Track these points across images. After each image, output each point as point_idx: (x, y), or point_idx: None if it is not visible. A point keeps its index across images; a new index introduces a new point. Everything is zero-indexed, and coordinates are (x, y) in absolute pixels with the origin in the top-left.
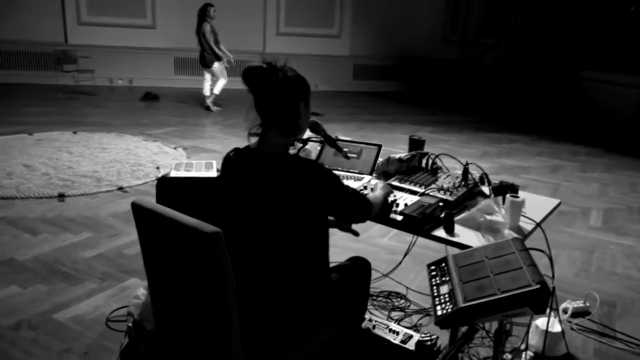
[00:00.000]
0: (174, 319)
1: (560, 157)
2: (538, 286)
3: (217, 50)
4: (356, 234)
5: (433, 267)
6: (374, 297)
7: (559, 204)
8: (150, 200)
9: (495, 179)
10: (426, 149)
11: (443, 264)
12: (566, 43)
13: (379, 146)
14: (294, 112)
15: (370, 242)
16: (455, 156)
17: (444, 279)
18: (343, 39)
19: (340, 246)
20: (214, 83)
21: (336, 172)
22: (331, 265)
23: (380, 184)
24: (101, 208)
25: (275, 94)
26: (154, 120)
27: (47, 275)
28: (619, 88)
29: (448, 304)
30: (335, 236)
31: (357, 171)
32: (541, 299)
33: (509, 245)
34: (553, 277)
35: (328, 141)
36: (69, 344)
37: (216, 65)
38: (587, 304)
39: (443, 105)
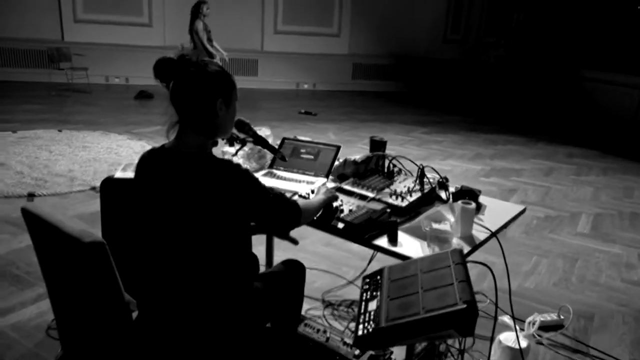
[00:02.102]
0: (72, 330)
1: (556, 159)
2: (464, 306)
3: (209, 48)
4: (295, 242)
5: (368, 280)
6: (335, 307)
7: (522, 211)
8: (40, 206)
9: (485, 182)
10: (417, 150)
11: (378, 277)
12: (568, 42)
13: (338, 147)
14: (209, 109)
15: (342, 247)
16: (447, 158)
17: (374, 293)
18: (342, 37)
19: (311, 251)
20: None
21: (291, 175)
22: (262, 271)
23: (323, 188)
24: (70, 208)
25: (187, 90)
26: (144, 118)
27: None
28: (620, 88)
29: (371, 322)
30: (307, 240)
31: (312, 173)
32: (467, 320)
33: (446, 258)
34: (496, 291)
35: (258, 141)
36: (1, 353)
37: None
38: (561, 317)
39: (441, 105)
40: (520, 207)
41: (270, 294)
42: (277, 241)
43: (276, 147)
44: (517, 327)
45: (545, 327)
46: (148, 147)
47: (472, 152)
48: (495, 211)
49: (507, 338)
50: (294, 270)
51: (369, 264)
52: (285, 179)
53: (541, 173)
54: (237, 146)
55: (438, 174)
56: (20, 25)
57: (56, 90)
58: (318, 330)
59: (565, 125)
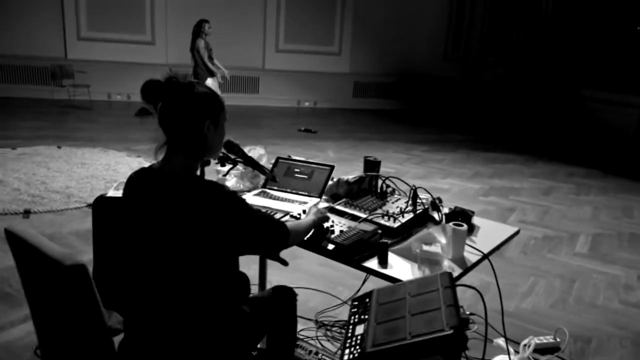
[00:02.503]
0: (55, 353)
1: (555, 178)
2: (451, 332)
3: (210, 66)
4: (284, 263)
5: (356, 303)
6: (328, 327)
7: (516, 233)
8: (23, 227)
9: (484, 201)
10: (416, 169)
11: (367, 300)
12: (568, 62)
13: (332, 167)
14: (197, 131)
15: (338, 267)
16: (447, 176)
17: (362, 317)
18: (343, 56)
19: (305, 271)
20: None
21: (284, 195)
22: (251, 295)
23: (314, 208)
24: (65, 225)
25: (174, 111)
26: (144, 135)
27: None
28: (621, 108)
29: (357, 347)
30: (302, 260)
31: (305, 193)
32: (454, 346)
33: (435, 281)
34: (486, 316)
35: (248, 162)
36: None
37: (209, 81)
38: (558, 339)
39: (441, 123)
40: (514, 229)
41: (257, 319)
42: (270, 261)
43: (269, 166)
44: (512, 350)
45: (541, 350)
46: (146, 164)
47: (472, 170)
48: (489, 232)
49: None
50: (284, 297)
51: (362, 285)
52: (278, 198)
53: (540, 192)
54: (229, 166)
55: (430, 194)
56: (25, 43)
57: (58, 107)
58: (310, 352)
59: (565, 145)
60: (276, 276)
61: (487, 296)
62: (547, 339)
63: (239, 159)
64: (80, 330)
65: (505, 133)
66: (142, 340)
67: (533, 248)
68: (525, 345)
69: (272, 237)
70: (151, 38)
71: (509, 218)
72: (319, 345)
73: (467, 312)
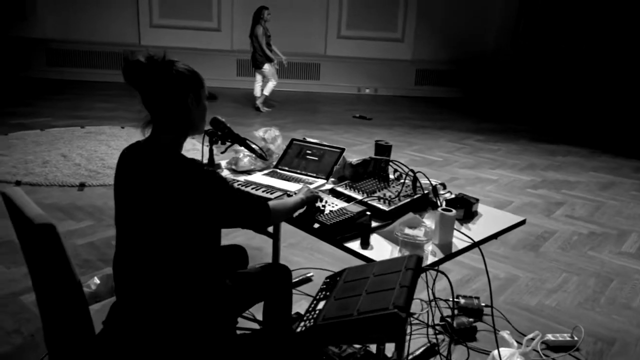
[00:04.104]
0: (46, 309)
1: (619, 173)
2: (393, 311)
3: (268, 52)
4: (269, 235)
5: (328, 280)
6: None
7: (521, 222)
8: (16, 189)
9: (532, 194)
10: (465, 159)
11: (338, 278)
12: None
13: (342, 150)
14: (180, 107)
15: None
16: (497, 167)
17: (327, 293)
18: (406, 42)
19: (325, 252)
20: (265, 84)
21: (293, 175)
22: (240, 271)
23: (304, 188)
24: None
25: (156, 89)
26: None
27: None
28: None
29: (312, 320)
30: (323, 243)
31: (314, 175)
32: (394, 325)
33: (401, 262)
34: (453, 298)
35: (235, 140)
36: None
37: (267, 66)
38: (575, 338)
39: (504, 113)
40: (519, 218)
41: (239, 294)
42: (295, 242)
43: (284, 147)
44: (515, 343)
45: (556, 348)
46: (198, 145)
47: (526, 162)
48: (491, 220)
49: (501, 354)
50: (275, 274)
51: None
52: (286, 178)
53: (598, 187)
54: (224, 145)
55: (429, 180)
56: (101, 30)
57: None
58: None
59: (638, 138)
60: (297, 257)
61: (512, 288)
62: (563, 337)
63: (228, 141)
64: (52, 286)
65: (571, 124)
66: (127, 306)
67: (574, 244)
68: (528, 339)
69: (250, 214)
70: (217, 25)
71: (554, 212)
72: None
73: (482, 304)
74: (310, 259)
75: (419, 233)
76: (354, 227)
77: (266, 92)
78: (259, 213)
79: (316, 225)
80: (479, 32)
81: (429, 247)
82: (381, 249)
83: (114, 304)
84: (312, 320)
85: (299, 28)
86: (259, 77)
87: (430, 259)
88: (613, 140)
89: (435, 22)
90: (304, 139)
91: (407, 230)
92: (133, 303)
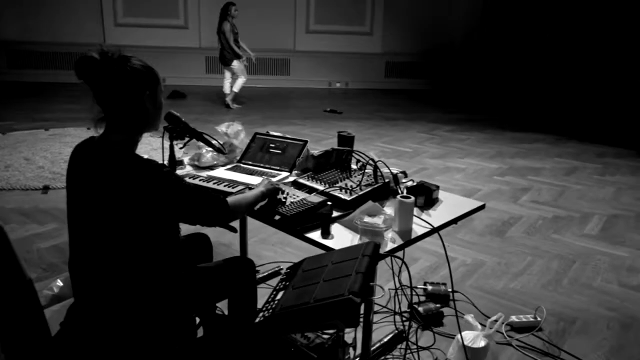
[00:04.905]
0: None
1: (583, 158)
2: (349, 296)
3: (236, 49)
4: (233, 230)
5: (288, 271)
6: None
7: (480, 207)
8: None
9: (499, 180)
10: (434, 149)
11: (298, 268)
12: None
13: (305, 142)
14: (136, 105)
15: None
16: (466, 156)
17: (286, 283)
18: (375, 35)
19: (295, 245)
20: (234, 81)
21: (256, 169)
22: (200, 265)
23: (265, 181)
24: None
25: (109, 86)
26: None
27: None
28: None
29: (270, 310)
30: (293, 237)
31: (277, 168)
32: (349, 310)
33: (359, 250)
34: (411, 283)
35: (192, 134)
36: None
37: (235, 63)
38: (538, 318)
39: (473, 103)
40: (478, 203)
41: (199, 289)
42: (286, 240)
43: (247, 141)
44: (479, 325)
45: (520, 329)
46: (166, 144)
47: (494, 150)
48: (451, 207)
49: (465, 337)
50: (237, 268)
51: None
52: (249, 172)
53: (562, 172)
54: (184, 141)
55: (389, 168)
56: (66, 30)
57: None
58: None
59: (606, 124)
60: (267, 251)
61: (478, 273)
62: (527, 317)
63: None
64: (4, 286)
65: (538, 112)
66: (84, 306)
67: (538, 228)
68: (493, 321)
69: (207, 211)
70: (184, 22)
71: (521, 198)
72: None
73: (449, 290)
74: (280, 252)
75: (378, 221)
76: (315, 218)
77: (235, 88)
78: (216, 209)
79: (277, 217)
80: (445, 23)
81: (389, 235)
82: (342, 238)
83: (72, 305)
84: (270, 311)
85: (268, 24)
86: (227, 74)
87: (389, 246)
88: (579, 127)
89: (402, 14)
90: (267, 132)
91: (367, 219)
92: (89, 303)
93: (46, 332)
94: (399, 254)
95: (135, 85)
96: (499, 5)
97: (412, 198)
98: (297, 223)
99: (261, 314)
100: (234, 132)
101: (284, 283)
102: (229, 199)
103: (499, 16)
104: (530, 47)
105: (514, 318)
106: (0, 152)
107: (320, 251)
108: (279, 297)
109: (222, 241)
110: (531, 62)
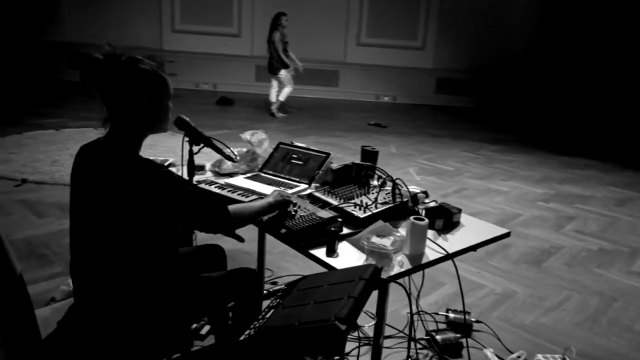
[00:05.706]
0: None
1: (638, 188)
2: (333, 322)
3: (284, 58)
4: (240, 239)
5: (285, 287)
6: None
7: (505, 235)
8: None
9: (543, 207)
10: (478, 169)
11: (294, 285)
12: None
13: (327, 155)
14: (136, 108)
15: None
16: (510, 179)
17: (279, 301)
18: (427, 51)
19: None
20: (281, 90)
21: (275, 179)
22: (203, 275)
23: (275, 192)
24: None
25: (113, 88)
26: (216, 122)
27: (26, 255)
28: None
29: (256, 329)
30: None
31: (297, 179)
32: (332, 338)
33: (358, 272)
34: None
35: (201, 139)
36: None
37: (283, 72)
38: (566, 359)
39: (525, 123)
40: (503, 230)
41: (197, 297)
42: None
43: (270, 150)
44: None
45: None
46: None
47: (541, 174)
48: (472, 232)
49: None
50: (240, 279)
51: None
52: (268, 182)
53: (613, 202)
54: (199, 147)
55: (407, 187)
56: (123, 34)
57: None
58: None
59: None
60: (287, 262)
61: (507, 304)
62: (554, 357)
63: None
64: None
65: (591, 136)
66: (83, 306)
67: (580, 261)
68: (515, 358)
69: (205, 216)
70: (238, 30)
71: (564, 227)
72: None
73: (473, 319)
74: (301, 265)
75: (386, 242)
76: (323, 234)
77: (281, 97)
78: (214, 215)
79: (283, 231)
80: (501, 40)
81: (398, 258)
82: (348, 257)
83: (72, 305)
84: (257, 329)
85: (319, 35)
86: (274, 83)
87: (395, 270)
88: (636, 155)
89: (457, 30)
90: (291, 142)
91: (375, 239)
92: (86, 304)
93: (35, 329)
94: (417, 275)
95: (137, 89)
96: (557, 22)
97: (426, 220)
98: (303, 238)
99: (247, 332)
100: (257, 140)
101: (277, 301)
102: (231, 207)
103: (556, 34)
104: (588, 67)
105: (540, 357)
106: (51, 148)
107: (323, 269)
108: (269, 315)
109: (244, 249)
110: (589, 84)
